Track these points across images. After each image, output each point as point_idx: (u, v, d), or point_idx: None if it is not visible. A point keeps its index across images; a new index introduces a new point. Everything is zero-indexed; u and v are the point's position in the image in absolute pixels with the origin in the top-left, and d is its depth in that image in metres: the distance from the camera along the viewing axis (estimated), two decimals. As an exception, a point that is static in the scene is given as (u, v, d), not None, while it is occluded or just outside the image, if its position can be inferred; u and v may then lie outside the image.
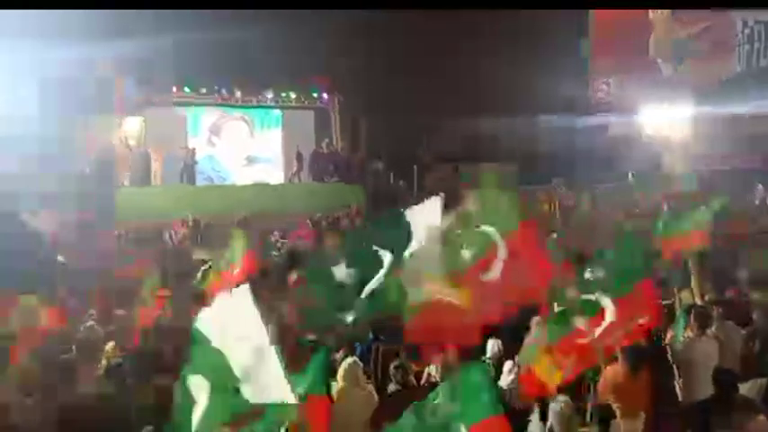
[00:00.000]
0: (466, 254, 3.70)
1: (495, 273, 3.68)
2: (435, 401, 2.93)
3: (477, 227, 3.79)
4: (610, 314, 4.33)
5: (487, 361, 5.91)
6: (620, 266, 4.56)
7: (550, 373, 4.30)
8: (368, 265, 3.73)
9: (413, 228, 3.76)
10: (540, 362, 4.30)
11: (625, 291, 4.37)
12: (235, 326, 3.03)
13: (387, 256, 3.71)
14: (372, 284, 3.70)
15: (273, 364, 2.94)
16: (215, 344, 3.05)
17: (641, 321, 4.54)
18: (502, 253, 3.68)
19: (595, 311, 4.34)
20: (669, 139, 17.80)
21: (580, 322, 4.33)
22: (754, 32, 16.82)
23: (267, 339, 2.97)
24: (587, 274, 4.61)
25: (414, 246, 3.71)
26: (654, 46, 19.35)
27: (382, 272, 3.68)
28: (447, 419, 2.84)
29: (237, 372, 3.00)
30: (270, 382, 2.95)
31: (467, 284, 3.63)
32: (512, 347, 5.93)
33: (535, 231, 4.08)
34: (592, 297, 4.37)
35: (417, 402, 2.97)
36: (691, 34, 18.16)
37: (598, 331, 4.31)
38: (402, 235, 3.77)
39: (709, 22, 17.71)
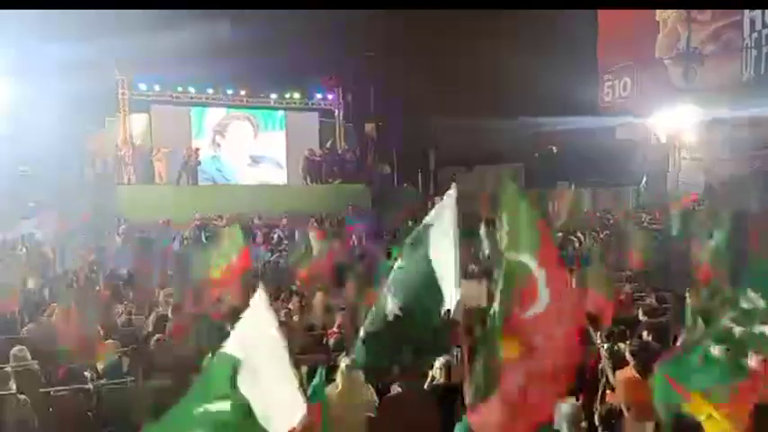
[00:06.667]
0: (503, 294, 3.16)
1: (539, 305, 3.10)
2: None
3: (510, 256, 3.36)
4: None
5: None
6: None
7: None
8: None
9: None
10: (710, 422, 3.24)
11: None
12: (251, 332, 2.92)
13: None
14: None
15: (285, 371, 2.82)
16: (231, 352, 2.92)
17: None
18: (542, 281, 3.10)
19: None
20: (677, 142, 17.64)
21: (754, 362, 3.30)
22: (762, 36, 16.69)
23: (281, 344, 2.84)
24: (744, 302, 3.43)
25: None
26: (661, 48, 19.21)
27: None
28: None
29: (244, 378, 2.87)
30: (279, 389, 2.83)
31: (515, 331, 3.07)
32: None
33: (554, 247, 3.51)
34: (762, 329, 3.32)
35: None
36: (700, 37, 18.02)
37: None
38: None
39: (717, 24, 17.57)
